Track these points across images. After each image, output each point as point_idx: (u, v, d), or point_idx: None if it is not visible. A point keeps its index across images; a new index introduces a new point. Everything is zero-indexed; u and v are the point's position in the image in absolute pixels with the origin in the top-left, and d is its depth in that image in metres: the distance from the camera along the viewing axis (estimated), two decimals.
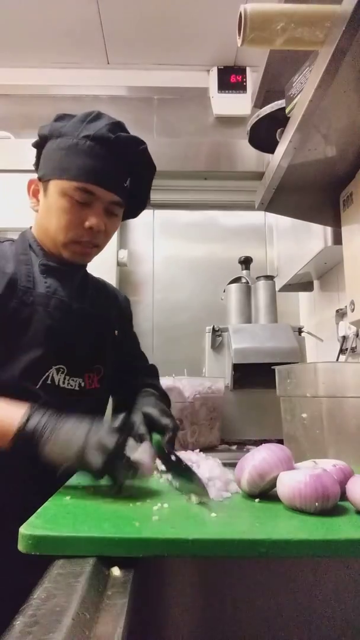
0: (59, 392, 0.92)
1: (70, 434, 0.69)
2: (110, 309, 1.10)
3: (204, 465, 0.74)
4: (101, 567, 0.48)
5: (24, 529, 0.51)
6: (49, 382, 0.91)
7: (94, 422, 0.70)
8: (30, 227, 1.03)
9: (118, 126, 0.96)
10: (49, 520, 0.56)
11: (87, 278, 1.09)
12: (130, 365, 1.12)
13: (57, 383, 0.92)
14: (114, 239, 2.15)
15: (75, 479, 0.74)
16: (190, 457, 0.78)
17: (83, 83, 2.30)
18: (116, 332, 1.07)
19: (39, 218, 1.00)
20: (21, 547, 0.50)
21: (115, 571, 0.48)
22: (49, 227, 0.96)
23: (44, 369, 0.91)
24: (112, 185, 0.94)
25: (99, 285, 1.13)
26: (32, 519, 0.56)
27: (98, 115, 0.95)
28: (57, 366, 0.93)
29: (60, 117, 0.97)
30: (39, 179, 0.98)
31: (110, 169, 0.93)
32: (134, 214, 1.09)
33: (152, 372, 1.18)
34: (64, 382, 0.93)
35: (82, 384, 0.97)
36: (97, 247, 0.99)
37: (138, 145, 0.97)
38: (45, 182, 0.95)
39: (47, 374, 0.91)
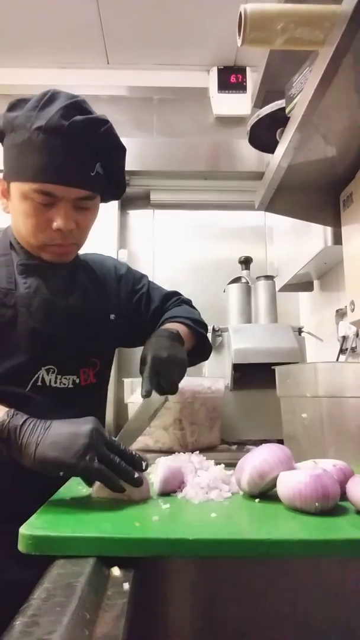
0: (51, 393, 0.89)
1: (70, 429, 0.65)
2: (106, 293, 1.04)
3: (205, 471, 0.73)
4: (101, 567, 0.48)
5: (24, 529, 0.51)
6: (39, 383, 0.88)
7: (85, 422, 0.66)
8: None
9: (74, 108, 0.84)
10: (49, 520, 0.56)
11: (77, 267, 1.02)
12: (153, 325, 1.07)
13: (48, 383, 0.89)
14: (114, 239, 2.16)
15: (75, 479, 0.74)
16: (192, 460, 0.78)
17: (83, 83, 2.30)
18: (112, 316, 1.02)
19: (11, 220, 0.93)
20: (21, 547, 0.50)
21: (115, 571, 0.48)
22: (20, 230, 0.90)
23: (32, 371, 0.88)
24: (74, 180, 0.84)
25: (94, 268, 1.07)
26: (32, 519, 0.56)
27: (52, 97, 0.84)
28: (47, 367, 0.89)
29: (13, 105, 0.87)
30: (4, 177, 0.90)
31: (69, 162, 0.83)
32: (115, 197, 0.99)
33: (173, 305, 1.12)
34: (55, 382, 0.90)
35: (77, 381, 0.93)
36: (75, 245, 0.93)
37: (99, 127, 0.86)
38: (8, 183, 0.88)
39: (36, 375, 0.88)
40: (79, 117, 0.83)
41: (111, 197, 0.97)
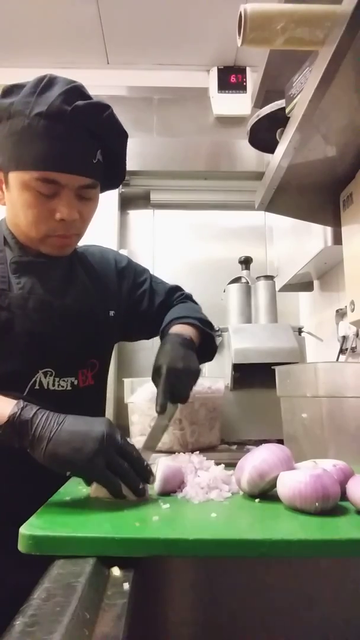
0: (49, 396, 0.87)
1: (84, 429, 0.64)
2: (105, 288, 1.01)
3: (205, 471, 0.73)
4: (101, 567, 0.48)
5: (24, 529, 0.51)
6: (36, 387, 0.86)
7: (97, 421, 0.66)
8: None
9: (74, 92, 0.82)
10: (49, 520, 0.56)
11: (74, 263, 0.99)
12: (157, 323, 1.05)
13: (46, 387, 0.87)
14: (114, 239, 2.16)
15: (75, 479, 0.74)
16: (192, 460, 0.78)
17: (83, 83, 2.30)
18: (111, 312, 1.00)
19: (8, 212, 0.90)
20: (21, 547, 0.50)
21: (115, 571, 0.48)
22: (19, 223, 0.86)
23: (29, 375, 0.86)
24: (77, 168, 0.81)
25: (93, 261, 1.04)
26: (32, 519, 0.56)
27: (50, 82, 0.82)
28: (44, 370, 0.87)
29: (8, 91, 0.84)
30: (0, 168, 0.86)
31: (72, 149, 0.80)
32: (114, 186, 0.97)
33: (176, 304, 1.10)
34: (53, 385, 0.88)
35: (75, 383, 0.91)
36: (77, 236, 0.90)
37: (101, 112, 0.84)
38: (5, 173, 0.84)
39: (33, 379, 0.86)
40: (81, 102, 0.80)
41: (110, 186, 0.95)
